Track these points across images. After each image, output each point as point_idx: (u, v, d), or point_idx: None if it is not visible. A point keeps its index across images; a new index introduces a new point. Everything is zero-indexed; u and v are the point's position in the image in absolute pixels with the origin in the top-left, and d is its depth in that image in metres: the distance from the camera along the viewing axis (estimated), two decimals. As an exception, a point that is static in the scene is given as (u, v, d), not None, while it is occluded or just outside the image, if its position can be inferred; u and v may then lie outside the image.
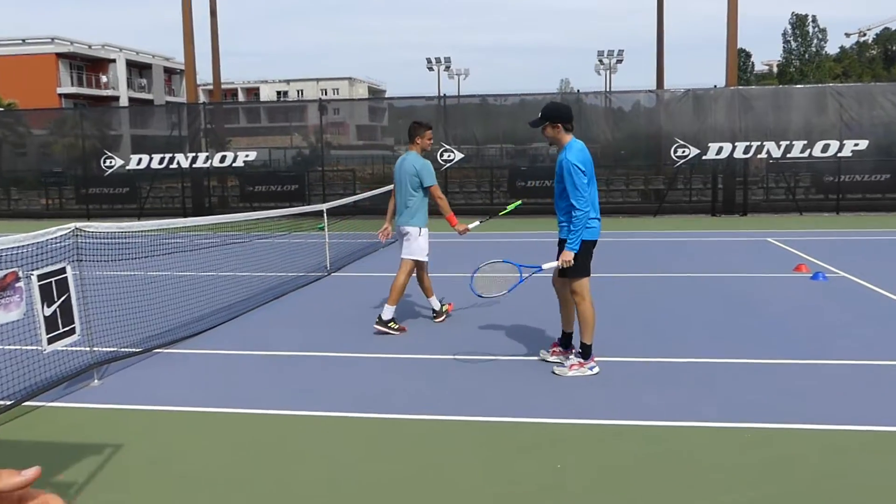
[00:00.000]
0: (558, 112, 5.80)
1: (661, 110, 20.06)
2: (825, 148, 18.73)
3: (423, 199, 7.52)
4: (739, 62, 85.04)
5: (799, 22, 78.04)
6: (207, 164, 21.37)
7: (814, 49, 77.44)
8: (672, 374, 5.97)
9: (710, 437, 4.65)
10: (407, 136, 7.83)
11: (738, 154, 18.99)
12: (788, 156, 18.94)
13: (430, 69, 57.25)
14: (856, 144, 18.66)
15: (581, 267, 5.78)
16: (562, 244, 5.82)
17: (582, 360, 5.87)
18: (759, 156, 18.98)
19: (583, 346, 5.88)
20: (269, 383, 5.92)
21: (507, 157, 22.00)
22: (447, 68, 58.17)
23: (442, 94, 23.08)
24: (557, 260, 5.77)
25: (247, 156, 21.67)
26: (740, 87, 21.16)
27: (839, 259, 11.49)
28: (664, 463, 4.28)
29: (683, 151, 19.19)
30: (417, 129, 7.55)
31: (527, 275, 5.87)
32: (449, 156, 20.16)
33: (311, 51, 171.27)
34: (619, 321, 7.81)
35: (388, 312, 7.33)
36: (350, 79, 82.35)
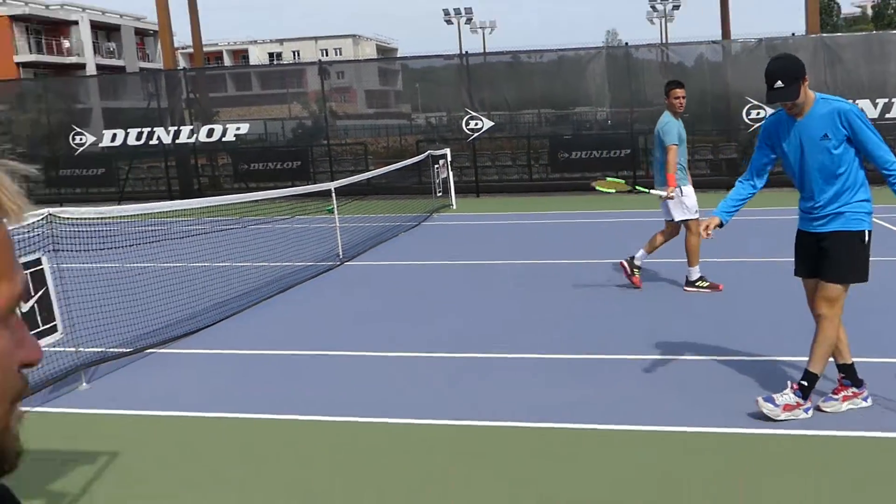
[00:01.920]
0: (801, 64, 5.07)
1: (728, 65, 20.07)
2: (929, 106, 18.65)
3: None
4: (823, 4, 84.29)
5: (897, -46, 77.01)
6: (193, 140, 21.74)
7: (916, -13, 76.51)
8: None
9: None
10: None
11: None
12: (888, 115, 18.87)
13: (449, 22, 57.42)
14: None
15: (859, 264, 5.05)
16: (827, 238, 5.05)
17: (800, 400, 5.13)
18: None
19: (808, 375, 5.14)
20: (278, 385, 6.17)
21: (546, 125, 22.08)
22: (469, 21, 58.29)
23: (464, 52, 23.03)
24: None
25: (238, 129, 22.01)
26: (824, 34, 21.11)
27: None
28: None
29: (758, 113, 19.19)
30: (666, 88, 8.98)
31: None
32: (476, 124, 20.32)
33: (307, 2, 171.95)
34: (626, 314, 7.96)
35: (694, 273, 8.86)
36: (354, 36, 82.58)
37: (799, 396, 5.09)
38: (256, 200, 11.42)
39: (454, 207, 17.50)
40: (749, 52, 20.06)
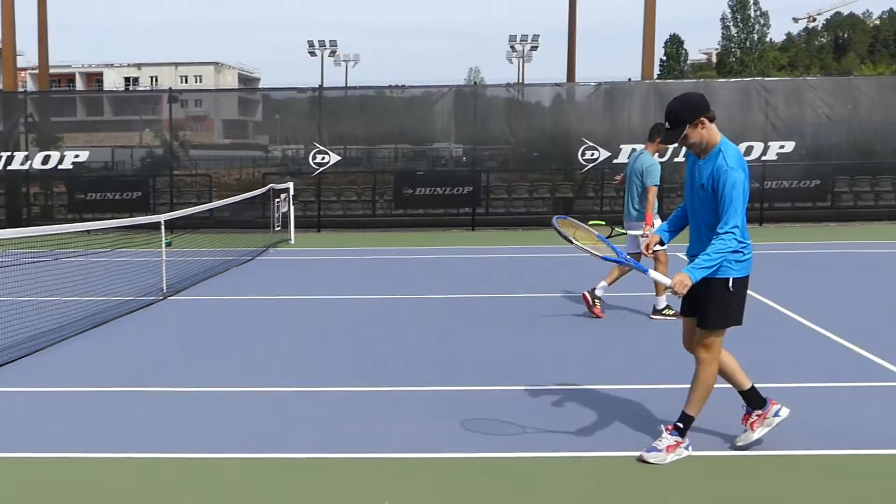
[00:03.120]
0: (695, 105, 5.07)
1: (570, 107, 20.96)
2: (748, 150, 19.96)
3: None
4: (672, 50, 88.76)
5: (739, 5, 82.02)
6: (26, 167, 20.97)
7: (755, 36, 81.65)
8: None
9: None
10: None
11: (653, 157, 19.98)
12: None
13: (313, 54, 57.42)
14: (781, 146, 19.97)
15: (726, 311, 5.11)
16: (699, 284, 5.00)
17: (679, 439, 5.21)
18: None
19: (684, 417, 5.23)
20: (75, 424, 6.07)
21: (402, 160, 22.34)
22: (332, 53, 58.47)
23: (318, 85, 23.13)
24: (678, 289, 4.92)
25: (76, 156, 21.37)
26: (658, 80, 22.31)
27: (753, 275, 12.32)
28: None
29: (592, 154, 20.08)
30: (653, 131, 9.43)
31: (623, 258, 5.37)
32: (323, 158, 20.45)
33: (170, 28, 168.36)
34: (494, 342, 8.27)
35: (661, 303, 9.46)
36: (216, 64, 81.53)
37: (676, 436, 5.18)
38: (73, 232, 11.16)
39: (292, 242, 17.53)
40: (588, 95, 21.02)
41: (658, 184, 9.30)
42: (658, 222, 9.21)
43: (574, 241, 5.29)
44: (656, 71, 66.56)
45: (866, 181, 20.81)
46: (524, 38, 54.72)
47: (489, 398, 6.56)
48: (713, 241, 4.93)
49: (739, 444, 5.31)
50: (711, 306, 5.08)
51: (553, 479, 4.93)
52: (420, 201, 20.70)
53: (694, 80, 29.40)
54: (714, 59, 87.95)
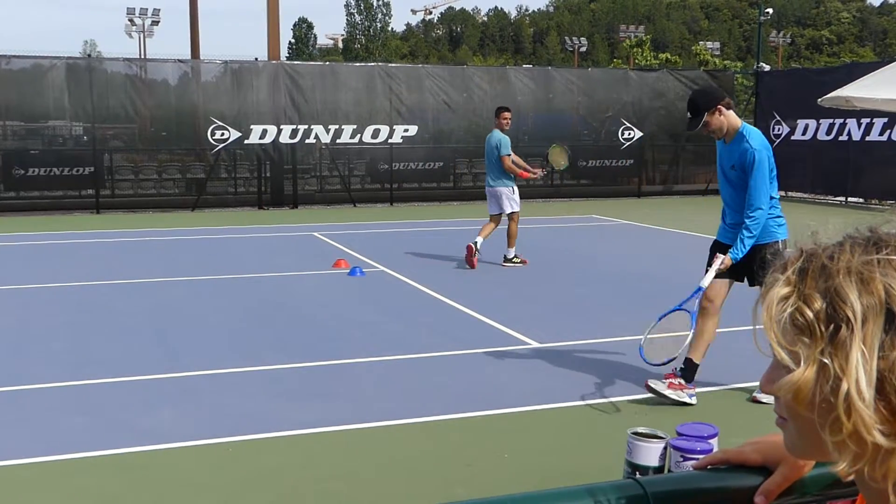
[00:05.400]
0: (711, 95, 5.81)
1: (196, 86, 20.33)
2: (376, 133, 20.76)
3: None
4: (300, 33, 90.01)
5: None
6: None
7: (379, 25, 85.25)
8: (169, 389, 6.19)
9: (193, 455, 4.95)
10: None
11: (285, 139, 20.10)
12: (339, 141, 20.60)
13: None
14: (406, 130, 21.01)
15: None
16: (720, 248, 5.87)
17: (683, 382, 5.85)
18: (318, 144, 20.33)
19: (688, 363, 5.86)
20: None
21: (14, 139, 20.12)
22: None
23: None
24: (712, 267, 5.75)
25: None
26: (285, 62, 22.39)
27: (383, 253, 12.89)
28: (146, 492, 4.46)
29: (223, 134, 19.71)
30: (497, 111, 11.94)
31: (693, 305, 5.81)
32: None
33: None
34: (128, 333, 7.84)
35: (511, 252, 11.73)
36: None
37: (680, 377, 5.82)
38: None
39: None
40: (215, 74, 20.54)
41: (510, 153, 11.57)
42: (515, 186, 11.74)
43: (654, 362, 5.66)
44: (284, 53, 66.92)
45: (483, 163, 22.47)
46: (143, 12, 52.20)
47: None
48: (745, 222, 5.61)
49: (655, 388, 5.83)
50: (767, 266, 5.56)
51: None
52: (35, 182, 18.96)
53: (321, 63, 29.84)
54: (341, 45, 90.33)
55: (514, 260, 11.73)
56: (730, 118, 5.73)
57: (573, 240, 12.70)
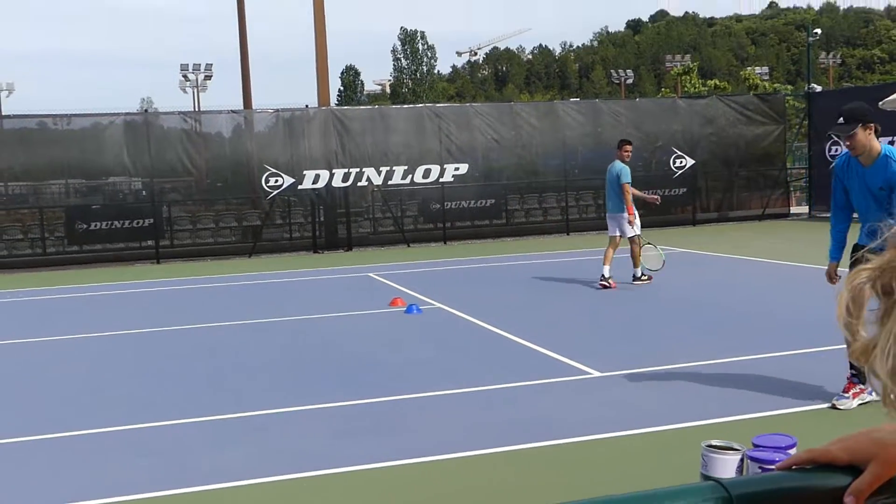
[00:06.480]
0: (869, 111, 5.90)
1: (249, 134, 20.69)
2: (427, 173, 20.88)
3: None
4: (349, 80, 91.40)
5: (408, 38, 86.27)
6: None
7: (425, 68, 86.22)
8: (231, 430, 6.21)
9: (257, 493, 4.95)
10: None
11: (337, 182, 20.31)
12: (390, 182, 20.75)
13: (-41, 83, 52.29)
14: (456, 168, 21.10)
15: None
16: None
17: (862, 385, 5.91)
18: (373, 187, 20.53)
19: (854, 367, 5.83)
20: None
21: (76, 195, 20.65)
22: (-17, 83, 53.64)
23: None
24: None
25: None
26: (334, 107, 22.68)
27: (439, 290, 12.88)
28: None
29: (276, 181, 19.99)
30: (620, 143, 12.80)
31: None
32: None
33: None
34: (190, 375, 7.91)
35: (638, 272, 12.51)
36: None
37: (857, 382, 5.86)
38: None
39: (-51, 288, 15.72)
40: (267, 122, 20.89)
41: (630, 181, 12.35)
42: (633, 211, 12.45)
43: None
44: (334, 100, 67.95)
45: (534, 198, 22.52)
46: (196, 67, 53.48)
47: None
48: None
49: (841, 407, 5.86)
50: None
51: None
52: (97, 236, 19.40)
53: (370, 107, 30.23)
54: (388, 90, 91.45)
55: (642, 278, 12.47)
56: (872, 141, 5.88)
57: (630, 270, 12.58)
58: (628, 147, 12.65)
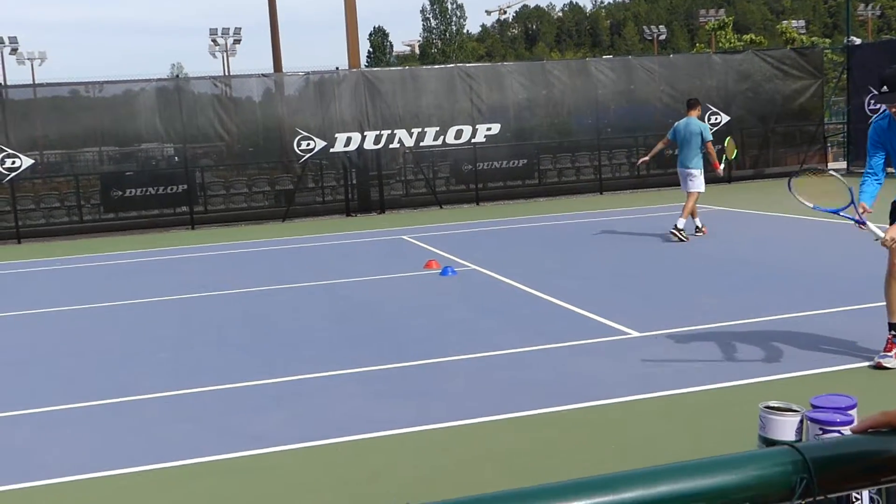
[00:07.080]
0: None
1: (280, 98, 20.66)
2: (458, 134, 20.75)
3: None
4: (377, 41, 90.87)
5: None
6: None
7: (454, 28, 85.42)
8: (271, 394, 6.25)
9: (300, 457, 4.98)
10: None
11: (369, 145, 20.26)
12: (422, 144, 20.66)
13: (-7, 52, 52.67)
14: (489, 129, 20.94)
15: None
16: None
17: None
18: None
19: (892, 326, 5.92)
20: None
21: (110, 162, 20.82)
22: (14, 51, 53.98)
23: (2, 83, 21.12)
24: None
25: None
26: (366, 69, 22.54)
27: (473, 252, 12.85)
28: (258, 494, 4.50)
29: (308, 144, 19.98)
30: (693, 102, 13.22)
31: (850, 217, 5.58)
32: (14, 163, 18.71)
33: None
34: (228, 341, 7.97)
35: (681, 223, 12.39)
36: None
37: None
38: None
39: (-12, 256, 15.97)
40: (297, 85, 20.82)
41: (712, 138, 12.94)
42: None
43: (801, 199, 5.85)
44: (363, 62, 67.63)
45: (567, 158, 22.33)
46: (226, 32, 53.36)
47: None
48: None
49: (888, 365, 5.85)
50: None
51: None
52: (132, 203, 19.57)
53: (401, 68, 30.04)
54: (417, 51, 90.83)
55: (683, 232, 12.47)
56: None
57: (665, 228, 12.46)
58: (699, 106, 13.27)
